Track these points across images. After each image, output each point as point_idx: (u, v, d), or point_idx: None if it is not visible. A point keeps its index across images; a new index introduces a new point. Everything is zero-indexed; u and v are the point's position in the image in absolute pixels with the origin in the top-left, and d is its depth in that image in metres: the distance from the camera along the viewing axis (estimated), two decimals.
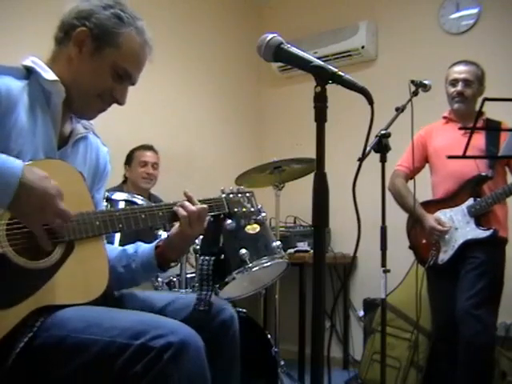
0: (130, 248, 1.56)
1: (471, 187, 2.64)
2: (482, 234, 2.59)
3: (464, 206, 2.65)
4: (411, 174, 2.84)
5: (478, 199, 2.61)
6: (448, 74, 2.80)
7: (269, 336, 2.39)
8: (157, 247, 1.54)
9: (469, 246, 2.61)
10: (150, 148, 3.37)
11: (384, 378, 2.18)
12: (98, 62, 1.37)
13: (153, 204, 1.49)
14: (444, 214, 2.70)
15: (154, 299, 1.51)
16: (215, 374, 1.25)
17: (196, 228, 1.47)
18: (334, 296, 3.92)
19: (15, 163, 1.15)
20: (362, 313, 3.77)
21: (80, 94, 1.39)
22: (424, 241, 2.77)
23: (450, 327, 2.62)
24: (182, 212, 1.45)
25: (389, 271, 2.19)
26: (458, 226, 2.65)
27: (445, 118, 2.87)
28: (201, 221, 1.48)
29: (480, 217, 2.62)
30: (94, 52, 1.37)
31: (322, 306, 1.13)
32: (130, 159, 3.37)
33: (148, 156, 3.34)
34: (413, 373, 3.14)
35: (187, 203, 1.47)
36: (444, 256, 2.67)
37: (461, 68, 2.74)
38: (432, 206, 2.77)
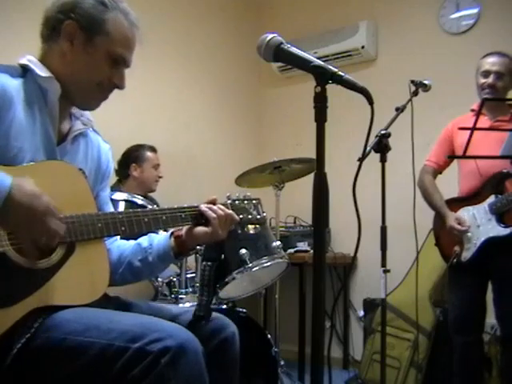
0: (143, 241, 1.55)
1: (494, 184, 2.60)
2: (502, 231, 2.53)
3: (486, 204, 2.61)
4: (439, 169, 2.82)
5: (500, 196, 2.56)
6: (480, 64, 2.70)
7: (269, 336, 2.38)
8: (172, 236, 1.52)
9: (495, 244, 2.55)
10: (155, 149, 3.32)
11: (384, 378, 2.18)
12: (91, 53, 1.37)
13: (156, 208, 1.49)
14: (467, 212, 2.66)
15: (162, 310, 1.50)
16: None
17: (225, 230, 1.49)
18: (334, 296, 3.91)
19: (4, 180, 1.13)
20: (361, 313, 3.76)
21: (79, 88, 1.39)
22: (448, 239, 2.72)
23: (467, 319, 2.65)
24: (219, 213, 1.47)
25: (389, 271, 2.19)
26: (480, 223, 2.60)
27: (473, 110, 2.75)
28: (228, 224, 1.50)
29: (504, 214, 2.56)
30: (86, 43, 1.36)
31: (322, 305, 1.13)
32: (140, 159, 3.23)
33: (157, 158, 3.29)
34: (413, 373, 3.14)
35: (220, 206, 1.50)
36: (467, 254, 2.62)
37: (494, 59, 2.66)
38: (456, 203, 2.72)
